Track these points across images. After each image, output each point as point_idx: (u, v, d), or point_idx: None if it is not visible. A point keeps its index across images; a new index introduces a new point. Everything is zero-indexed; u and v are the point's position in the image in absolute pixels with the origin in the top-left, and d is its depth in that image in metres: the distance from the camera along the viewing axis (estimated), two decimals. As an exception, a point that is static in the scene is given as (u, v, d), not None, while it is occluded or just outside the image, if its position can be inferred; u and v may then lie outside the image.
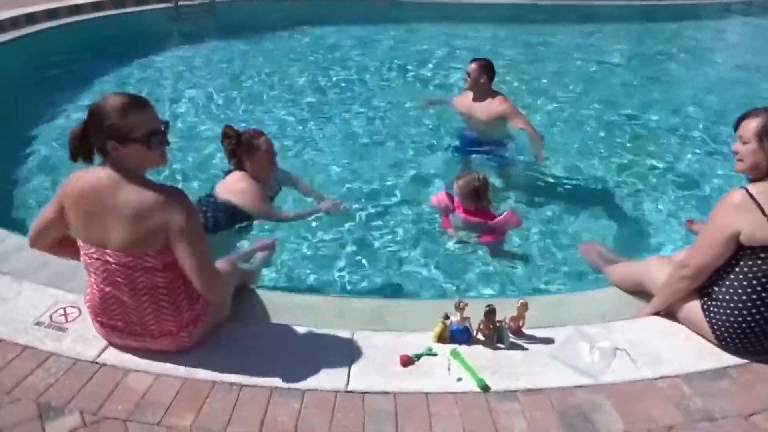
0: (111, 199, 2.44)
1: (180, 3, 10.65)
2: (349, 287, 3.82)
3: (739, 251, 2.71)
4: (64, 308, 3.00)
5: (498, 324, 2.84)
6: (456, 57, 8.69)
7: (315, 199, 4.41)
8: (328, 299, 3.36)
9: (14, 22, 8.83)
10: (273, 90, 7.47)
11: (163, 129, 2.48)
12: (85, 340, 2.81)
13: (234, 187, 3.74)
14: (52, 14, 9.34)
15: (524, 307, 2.87)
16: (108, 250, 2.51)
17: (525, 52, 9.30)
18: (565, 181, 5.32)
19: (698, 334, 2.92)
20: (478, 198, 3.99)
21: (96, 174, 2.48)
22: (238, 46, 9.28)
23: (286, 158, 5.27)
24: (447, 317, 2.85)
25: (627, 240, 4.39)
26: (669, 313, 3.05)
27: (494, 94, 4.94)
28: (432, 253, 4.11)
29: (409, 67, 8.38)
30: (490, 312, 2.80)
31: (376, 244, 4.29)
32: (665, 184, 5.33)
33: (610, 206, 4.91)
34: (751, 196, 2.65)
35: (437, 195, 4.22)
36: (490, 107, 4.88)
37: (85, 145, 2.45)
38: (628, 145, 6.09)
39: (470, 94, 4.99)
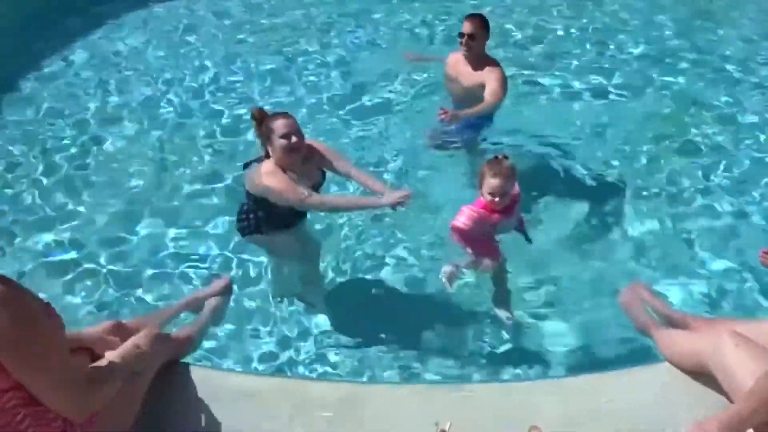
0: None
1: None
2: (315, 353, 3.02)
3: None
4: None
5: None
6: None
7: (367, 186, 3.52)
8: (283, 383, 2.56)
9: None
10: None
11: None
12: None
13: (256, 177, 3.22)
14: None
15: None
16: None
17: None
18: (595, 179, 4.30)
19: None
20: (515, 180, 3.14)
21: None
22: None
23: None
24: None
25: (687, 281, 3.42)
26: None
27: (488, 60, 4.28)
28: (432, 311, 3.26)
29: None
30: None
31: (356, 295, 3.51)
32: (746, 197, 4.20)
33: (661, 223, 3.92)
34: None
35: (467, 214, 2.99)
36: (480, 72, 4.21)
37: None
38: (699, 129, 4.82)
39: (461, 55, 4.30)
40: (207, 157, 4.75)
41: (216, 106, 5.35)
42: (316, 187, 3.32)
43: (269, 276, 3.69)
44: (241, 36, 6.35)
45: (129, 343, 2.28)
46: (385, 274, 3.72)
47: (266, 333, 3.33)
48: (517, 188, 3.16)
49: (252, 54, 6.01)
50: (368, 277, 3.70)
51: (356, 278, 3.71)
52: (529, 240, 3.12)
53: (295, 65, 5.85)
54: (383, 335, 3.25)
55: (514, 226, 3.20)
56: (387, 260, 3.77)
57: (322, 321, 3.35)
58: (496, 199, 2.95)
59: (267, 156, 3.23)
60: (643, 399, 2.40)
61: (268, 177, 3.14)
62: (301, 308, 3.45)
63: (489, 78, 4.17)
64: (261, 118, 3.25)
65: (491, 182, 2.95)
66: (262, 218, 3.28)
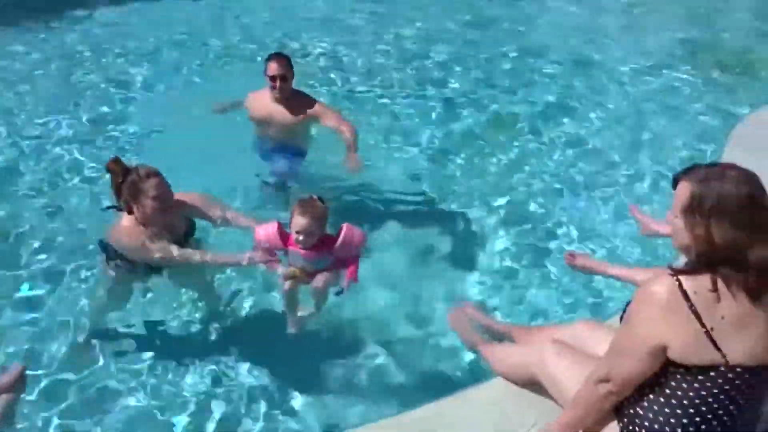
0: None
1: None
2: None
3: (668, 366, 1.97)
4: None
5: None
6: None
7: (247, 228, 3.21)
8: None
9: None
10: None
11: None
12: None
13: (114, 232, 3.05)
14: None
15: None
16: None
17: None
18: (411, 200, 4.43)
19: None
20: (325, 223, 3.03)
21: None
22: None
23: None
24: None
25: (512, 291, 3.57)
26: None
27: (302, 96, 4.29)
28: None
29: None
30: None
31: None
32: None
33: (479, 237, 4.06)
34: (684, 293, 1.89)
35: (266, 227, 2.99)
36: (299, 109, 4.18)
37: None
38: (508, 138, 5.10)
39: (267, 95, 4.19)
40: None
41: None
42: (181, 238, 3.12)
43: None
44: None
45: None
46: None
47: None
48: (353, 237, 3.00)
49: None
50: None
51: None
52: (338, 293, 3.10)
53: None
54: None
55: (314, 266, 3.05)
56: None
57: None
58: (301, 237, 2.91)
59: (128, 210, 2.97)
60: (481, 418, 2.44)
61: (127, 236, 2.97)
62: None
63: (324, 115, 4.17)
64: (121, 173, 2.94)
65: (298, 220, 2.88)
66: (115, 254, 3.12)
